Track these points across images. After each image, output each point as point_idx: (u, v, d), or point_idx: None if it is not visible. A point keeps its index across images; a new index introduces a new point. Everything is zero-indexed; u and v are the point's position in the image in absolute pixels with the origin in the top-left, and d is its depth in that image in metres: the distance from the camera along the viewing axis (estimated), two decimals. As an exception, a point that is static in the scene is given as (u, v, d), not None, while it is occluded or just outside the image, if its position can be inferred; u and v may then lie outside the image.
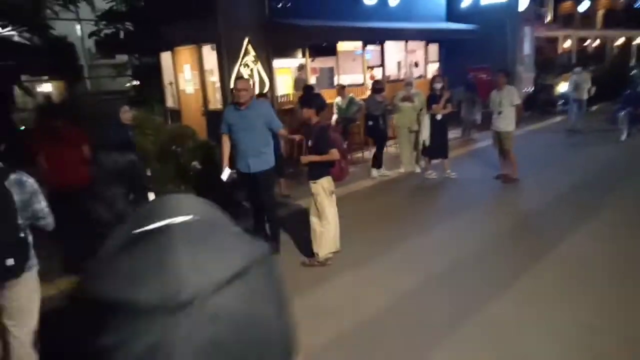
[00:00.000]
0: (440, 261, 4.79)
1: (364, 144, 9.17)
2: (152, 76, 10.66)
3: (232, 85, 8.60)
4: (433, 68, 12.74)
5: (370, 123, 7.86)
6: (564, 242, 5.11)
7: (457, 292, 4.19)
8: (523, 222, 5.89)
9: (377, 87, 7.93)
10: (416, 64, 12.74)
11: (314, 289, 4.33)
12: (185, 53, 9.68)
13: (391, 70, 12.06)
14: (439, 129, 7.56)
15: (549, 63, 16.45)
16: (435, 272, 4.57)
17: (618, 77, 15.63)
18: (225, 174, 5.34)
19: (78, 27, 13.82)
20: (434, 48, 12.83)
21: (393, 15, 11.26)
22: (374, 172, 8.09)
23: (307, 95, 4.91)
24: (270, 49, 9.18)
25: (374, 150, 8.23)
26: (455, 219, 5.98)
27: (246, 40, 8.78)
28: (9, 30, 8.12)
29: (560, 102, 12.77)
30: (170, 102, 10.58)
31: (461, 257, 4.89)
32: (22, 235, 2.68)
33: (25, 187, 2.71)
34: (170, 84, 10.33)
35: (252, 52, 8.88)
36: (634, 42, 22.84)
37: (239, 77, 5.52)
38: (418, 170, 8.23)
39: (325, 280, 4.49)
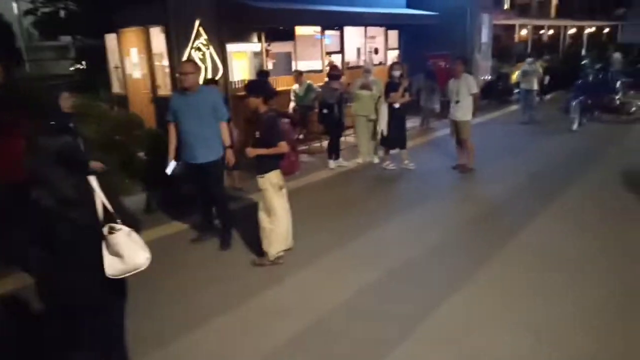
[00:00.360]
0: (398, 255, 4.65)
1: (322, 133, 8.89)
2: (97, 60, 9.99)
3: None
4: (393, 55, 12.58)
5: (325, 111, 7.59)
6: (523, 231, 5.11)
7: (415, 286, 4.06)
8: (481, 212, 5.81)
9: (333, 73, 7.64)
10: (376, 51, 12.52)
11: (265, 289, 4.09)
12: (131, 35, 9.08)
13: (351, 57, 11.80)
14: (397, 119, 7.38)
15: (506, 51, 16.62)
16: (393, 266, 4.42)
17: (571, 66, 15.99)
18: (170, 166, 4.96)
19: (15, 4, 12.78)
20: (393, 34, 12.65)
21: (353, 0, 10.97)
22: (331, 163, 7.86)
23: (254, 82, 4.56)
24: (224, 32, 8.72)
25: (328, 140, 7.99)
26: (414, 211, 5.85)
27: (197, 22, 8.28)
28: None
29: (516, 91, 12.88)
30: (116, 88, 9.96)
31: (420, 249, 4.76)
32: None
33: None
34: (116, 68, 9.71)
35: (203, 35, 8.40)
36: (585, 32, 23.48)
37: (185, 60, 5.10)
38: (376, 160, 8.05)
39: (277, 279, 4.24)
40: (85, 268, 2.34)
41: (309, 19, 9.89)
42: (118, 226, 2.33)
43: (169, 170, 4.95)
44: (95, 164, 4.48)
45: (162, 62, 8.84)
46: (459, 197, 6.56)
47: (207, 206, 5.27)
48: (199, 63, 8.37)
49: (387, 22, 11.77)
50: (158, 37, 8.56)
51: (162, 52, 8.65)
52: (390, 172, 7.64)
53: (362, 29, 11.66)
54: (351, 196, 6.61)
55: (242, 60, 10.36)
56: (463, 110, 7.11)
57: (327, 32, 10.91)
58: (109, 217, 2.35)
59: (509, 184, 6.80)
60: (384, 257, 4.60)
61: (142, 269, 2.41)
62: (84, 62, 10.67)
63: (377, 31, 12.19)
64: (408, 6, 12.75)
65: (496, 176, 7.22)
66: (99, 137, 7.07)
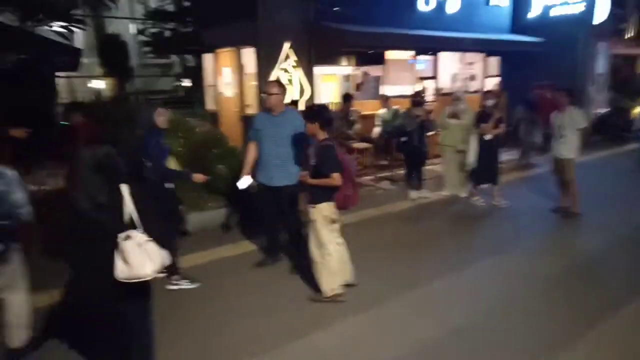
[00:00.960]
0: (469, 309, 4.04)
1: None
2: (196, 78, 10.49)
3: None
4: (492, 83, 11.78)
5: (403, 139, 7.14)
6: (632, 301, 4.19)
7: (481, 352, 3.44)
8: (579, 267, 4.95)
9: (415, 99, 7.18)
10: (473, 78, 11.81)
11: (308, 332, 3.72)
12: (225, 55, 9.39)
13: (445, 83, 11.22)
14: (487, 151, 6.71)
15: (625, 84, 14.88)
16: (461, 322, 3.83)
17: None
18: (244, 182, 4.81)
19: (131, 26, 14.01)
20: (494, 61, 11.85)
21: (450, 23, 10.48)
22: (413, 193, 7.35)
23: (311, 108, 4.33)
24: (313, 55, 8.68)
25: (406, 169, 7.51)
26: (497, 257, 5.15)
27: (287, 44, 8.34)
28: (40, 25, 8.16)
29: (637, 128, 11.36)
30: (210, 105, 10.34)
31: (495, 306, 4.11)
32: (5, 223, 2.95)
33: (4, 178, 2.95)
34: (211, 86, 10.08)
35: (292, 57, 8.43)
36: None
37: (271, 80, 5.04)
38: (463, 194, 7.40)
39: (325, 321, 3.85)
40: (101, 269, 2.50)
41: (400, 43, 9.55)
42: (134, 234, 2.51)
43: (241, 184, 4.81)
44: (197, 176, 4.49)
45: (252, 82, 9.00)
46: (554, 247, 5.64)
47: (275, 231, 5.07)
48: (286, 85, 8.43)
49: (487, 48, 11.06)
50: (249, 58, 8.73)
51: (252, 72, 8.81)
52: (477, 209, 6.95)
53: (459, 54, 11.06)
54: (428, 232, 6.04)
55: (331, 82, 10.30)
56: (567, 147, 6.28)
57: (421, 57, 10.49)
58: (133, 225, 2.56)
59: (618, 237, 5.79)
60: (452, 312, 4.01)
61: (148, 278, 2.53)
62: (184, 80, 11.27)
63: (475, 57, 11.50)
64: (512, 32, 11.92)
65: (603, 226, 6.21)
66: (184, 152, 7.31)
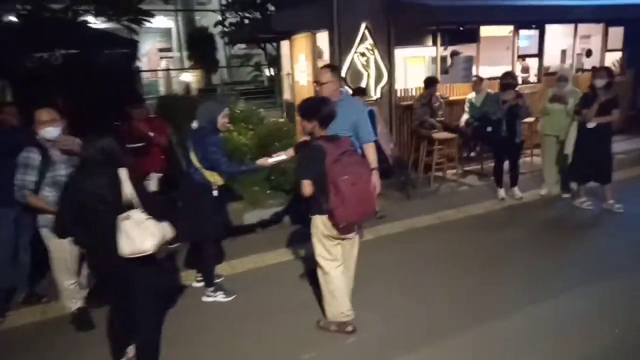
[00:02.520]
0: None
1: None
2: (275, 67, 10.19)
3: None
4: (614, 58, 9.92)
5: (489, 129, 6.08)
6: None
7: None
8: None
9: (504, 82, 5.97)
10: (589, 53, 10.05)
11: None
12: (301, 41, 8.88)
13: (552, 60, 9.66)
14: (590, 143, 5.45)
15: None
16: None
17: None
18: (276, 157, 4.16)
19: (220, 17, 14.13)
20: (617, 32, 9.94)
21: (560, -10, 8.90)
22: (501, 192, 6.30)
23: (308, 102, 3.46)
24: (393, 35, 7.83)
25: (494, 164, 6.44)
26: (599, 286, 3.97)
27: (363, 25, 7.60)
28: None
29: None
30: (287, 94, 9.97)
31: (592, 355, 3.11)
32: None
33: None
34: (288, 74, 9.68)
35: (369, 39, 7.67)
36: None
37: (324, 65, 4.37)
38: (567, 194, 6.18)
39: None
40: (108, 246, 2.69)
41: (497, 16, 8.27)
42: (133, 214, 2.72)
43: (271, 159, 4.17)
44: (261, 161, 3.96)
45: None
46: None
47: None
48: (362, 70, 7.73)
49: (607, 16, 9.25)
50: (325, 43, 8.14)
51: (327, 58, 8.22)
52: (583, 214, 5.73)
53: (570, 26, 9.41)
54: (515, 244, 4.98)
55: (418, 65, 9.36)
56: None
57: (523, 32, 9.08)
58: (131, 206, 2.77)
59: None
60: None
61: (149, 252, 2.70)
62: (266, 69, 11.04)
63: (592, 28, 9.73)
64: (641, -5, 9.88)
65: None
66: (252, 144, 7.00)
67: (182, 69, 13.83)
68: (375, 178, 3.72)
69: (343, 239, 3.32)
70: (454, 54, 9.51)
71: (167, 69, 14.87)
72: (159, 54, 17.89)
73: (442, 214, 5.87)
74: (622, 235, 5.04)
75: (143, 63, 18.90)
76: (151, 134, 5.12)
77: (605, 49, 9.82)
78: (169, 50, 16.46)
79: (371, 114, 5.61)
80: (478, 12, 7.93)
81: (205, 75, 12.84)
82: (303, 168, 3.23)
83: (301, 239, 5.20)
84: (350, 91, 6.41)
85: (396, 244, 5.05)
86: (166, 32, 16.35)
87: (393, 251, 4.86)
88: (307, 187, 3.16)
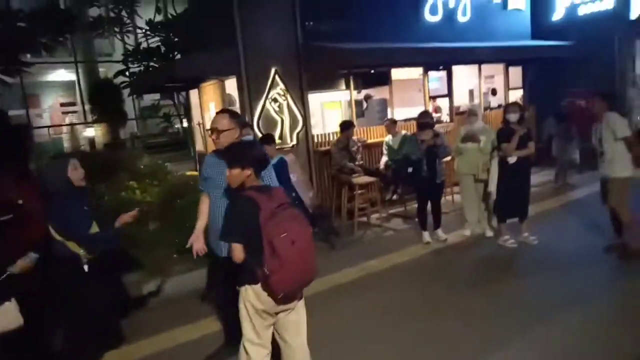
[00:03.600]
0: None
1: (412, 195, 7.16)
2: (186, 116, 9.61)
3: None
4: (516, 96, 10.43)
5: (410, 170, 5.89)
6: None
7: None
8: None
9: (422, 121, 5.85)
10: (494, 92, 10.52)
11: None
12: (210, 89, 8.45)
13: (461, 100, 9.96)
14: (512, 178, 5.40)
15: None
16: None
17: None
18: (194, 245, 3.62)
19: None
20: (516, 72, 10.53)
21: (463, 33, 9.27)
22: (426, 236, 6.05)
23: (236, 148, 2.96)
24: (305, 79, 7.61)
25: (417, 206, 6.24)
26: (543, 327, 3.75)
27: (273, 69, 7.31)
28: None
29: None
30: (199, 145, 9.38)
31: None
32: None
33: None
34: (199, 124, 9.13)
35: (280, 84, 7.38)
36: None
37: (220, 111, 3.78)
38: (489, 233, 6.06)
39: None
40: None
41: (406, 59, 8.38)
42: None
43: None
44: (123, 217, 3.56)
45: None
46: (619, 305, 4.19)
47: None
48: (275, 116, 7.38)
49: (508, 56, 9.76)
50: (235, 89, 7.74)
51: (238, 105, 7.80)
52: (507, 252, 5.57)
53: (475, 67, 9.81)
54: (441, 291, 4.65)
55: (336, 109, 9.22)
56: (611, 164, 4.90)
57: (432, 73, 9.29)
58: None
59: None
60: None
61: None
62: (175, 120, 10.40)
63: (494, 68, 10.23)
64: (534, 37, 10.60)
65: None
66: (156, 202, 6.31)
67: (86, 123, 12.82)
68: None
69: (283, 311, 2.74)
70: (367, 97, 9.51)
71: (71, 124, 13.76)
72: (60, 109, 16.64)
73: (367, 264, 5.48)
74: (549, 273, 4.87)
75: (45, 119, 17.53)
76: (20, 201, 4.29)
77: (508, 87, 10.31)
78: (72, 104, 15.32)
79: (281, 163, 5.21)
80: (385, 55, 7.95)
81: (111, 129, 11.93)
82: (232, 227, 2.62)
83: (213, 310, 4.54)
84: (256, 138, 5.89)
85: (319, 307, 4.52)
86: (69, 85, 15.26)
87: (317, 315, 4.32)
88: (237, 251, 2.58)
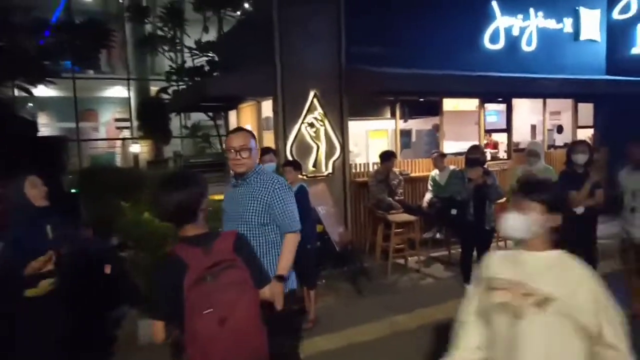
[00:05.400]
0: None
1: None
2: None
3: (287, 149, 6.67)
4: (585, 135, 9.33)
5: (454, 212, 5.06)
6: None
7: None
8: None
9: (471, 157, 5.04)
10: (559, 129, 9.47)
11: None
12: (247, 111, 8.08)
13: (522, 136, 9.01)
14: (578, 230, 4.46)
15: None
16: None
17: None
18: None
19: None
20: (587, 109, 9.45)
21: (526, 65, 8.41)
22: (470, 288, 5.16)
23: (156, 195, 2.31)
24: (346, 105, 7.03)
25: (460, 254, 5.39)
26: None
27: (312, 93, 6.80)
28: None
29: None
30: (235, 168, 8.98)
31: None
32: None
33: None
34: (235, 146, 8.75)
35: (318, 109, 6.85)
36: None
37: (236, 129, 3.17)
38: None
39: None
40: None
41: (458, 87, 7.58)
42: None
43: None
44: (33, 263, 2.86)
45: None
46: None
47: None
48: (311, 142, 6.83)
49: (576, 90, 8.73)
50: (270, 112, 7.30)
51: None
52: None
53: (539, 101, 8.86)
54: None
55: (382, 138, 8.57)
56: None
57: (489, 106, 8.46)
58: None
59: None
60: None
61: None
62: (214, 141, 10.14)
63: (562, 104, 9.22)
64: (609, 72, 9.52)
65: None
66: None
67: (132, 139, 12.94)
68: (276, 289, 2.53)
69: None
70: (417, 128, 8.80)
71: (120, 138, 14.01)
72: (115, 124, 17.09)
73: (395, 319, 4.69)
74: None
75: (101, 133, 18.11)
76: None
77: (576, 125, 9.25)
78: (126, 120, 15.71)
79: (300, 191, 4.54)
80: (435, 81, 7.22)
81: (155, 147, 11.92)
82: (154, 298, 2.00)
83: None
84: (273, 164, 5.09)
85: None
86: (124, 102, 15.67)
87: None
88: (157, 331, 1.92)
